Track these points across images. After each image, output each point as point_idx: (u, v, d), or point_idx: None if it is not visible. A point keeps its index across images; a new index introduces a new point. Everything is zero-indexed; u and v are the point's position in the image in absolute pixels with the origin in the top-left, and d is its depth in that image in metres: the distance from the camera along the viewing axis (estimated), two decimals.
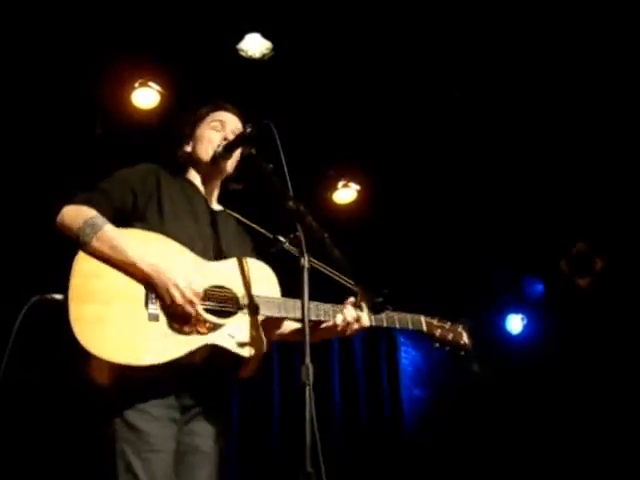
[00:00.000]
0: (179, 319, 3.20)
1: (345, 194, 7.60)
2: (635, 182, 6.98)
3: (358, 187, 7.53)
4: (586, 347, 7.60)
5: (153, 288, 3.22)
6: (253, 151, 3.59)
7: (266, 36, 6.01)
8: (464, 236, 7.74)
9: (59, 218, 3.33)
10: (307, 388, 2.72)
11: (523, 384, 7.85)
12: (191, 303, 3.21)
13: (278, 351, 7.12)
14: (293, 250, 3.60)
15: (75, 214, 3.31)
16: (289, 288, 3.52)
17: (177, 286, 3.19)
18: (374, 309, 3.55)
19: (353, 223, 7.46)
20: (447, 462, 7.60)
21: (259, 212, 4.04)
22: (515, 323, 8.61)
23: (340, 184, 7.51)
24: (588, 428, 7.34)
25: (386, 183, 7.45)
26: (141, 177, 3.60)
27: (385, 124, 6.83)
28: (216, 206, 3.90)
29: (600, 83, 6.28)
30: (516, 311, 8.63)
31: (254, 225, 3.94)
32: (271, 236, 3.83)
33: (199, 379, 3.31)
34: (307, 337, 2.86)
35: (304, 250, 3.05)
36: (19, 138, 6.11)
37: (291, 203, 3.23)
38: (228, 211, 3.94)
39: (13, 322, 3.20)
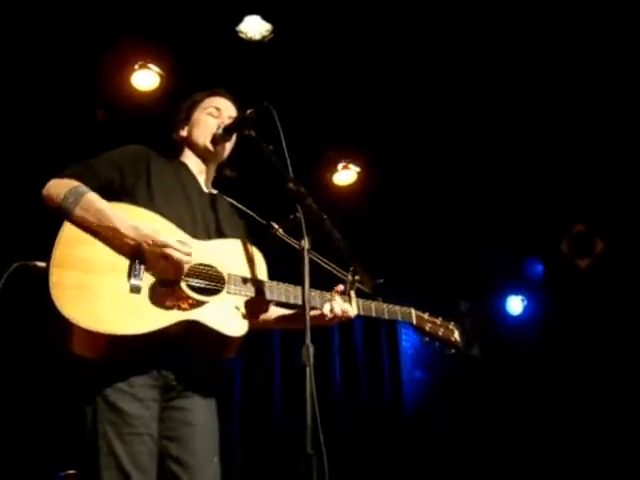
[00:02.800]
0: (161, 293, 3.18)
1: (345, 176, 7.61)
2: (635, 163, 6.98)
3: (358, 169, 7.53)
4: (586, 328, 7.62)
5: (139, 252, 3.20)
6: (253, 133, 3.57)
7: (266, 18, 5.99)
8: (464, 217, 7.75)
9: (44, 191, 3.31)
10: (307, 369, 2.72)
11: (523, 365, 7.87)
12: (187, 254, 3.20)
13: (279, 332, 7.13)
14: (286, 237, 3.61)
15: (59, 185, 3.30)
16: (282, 274, 3.51)
17: (166, 242, 3.18)
18: (373, 290, 3.55)
19: (353, 205, 7.46)
20: (447, 443, 7.63)
21: (254, 197, 4.04)
22: (515, 304, 8.63)
23: (340, 166, 7.51)
24: (587, 408, 7.37)
25: (386, 165, 7.45)
26: (130, 157, 3.58)
27: (385, 106, 6.82)
28: (210, 190, 3.89)
29: (598, 70, 6.28)
30: (516, 292, 8.65)
31: (248, 211, 3.93)
32: (264, 222, 3.82)
33: (182, 356, 3.28)
34: (307, 318, 2.86)
35: (304, 232, 3.04)
36: (19, 122, 6.11)
37: (291, 185, 3.22)
38: (223, 196, 3.93)
39: None
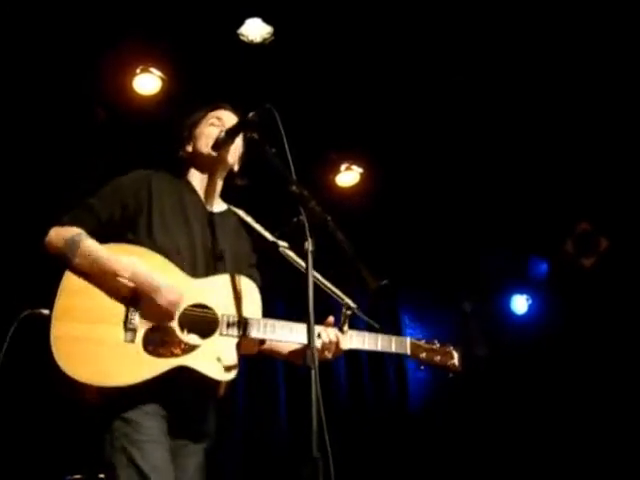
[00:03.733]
0: (155, 340, 3.22)
1: (348, 177, 7.60)
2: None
3: (361, 170, 7.53)
4: (591, 326, 7.61)
5: (136, 296, 3.25)
6: (255, 135, 3.56)
7: (266, 20, 5.99)
8: (467, 217, 7.74)
9: (46, 240, 3.38)
10: (312, 372, 2.72)
11: (528, 364, 7.86)
12: (172, 304, 3.24)
13: None
14: (292, 258, 3.61)
15: (59, 234, 3.36)
16: (287, 292, 3.50)
17: (159, 287, 3.24)
18: (377, 293, 3.54)
19: (356, 206, 7.46)
20: (452, 442, 7.62)
21: (260, 202, 4.04)
22: (520, 303, 8.62)
23: (343, 167, 7.50)
24: (592, 407, 7.36)
25: (389, 166, 7.44)
26: (132, 188, 3.60)
27: (387, 107, 6.82)
28: (217, 207, 3.86)
29: (600, 68, 6.27)
30: (521, 291, 8.64)
31: (256, 225, 3.92)
32: (272, 239, 3.81)
33: (177, 399, 3.31)
34: (312, 320, 2.84)
35: (308, 234, 3.03)
36: (21, 129, 6.11)
37: (294, 187, 3.21)
38: (232, 208, 3.92)
39: (4, 336, 3.27)
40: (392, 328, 8.26)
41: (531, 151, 7.13)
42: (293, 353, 3.71)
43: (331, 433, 2.61)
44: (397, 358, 8.18)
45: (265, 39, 6.05)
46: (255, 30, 6.03)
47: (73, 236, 3.31)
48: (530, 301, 8.59)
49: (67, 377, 3.05)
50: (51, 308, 3.16)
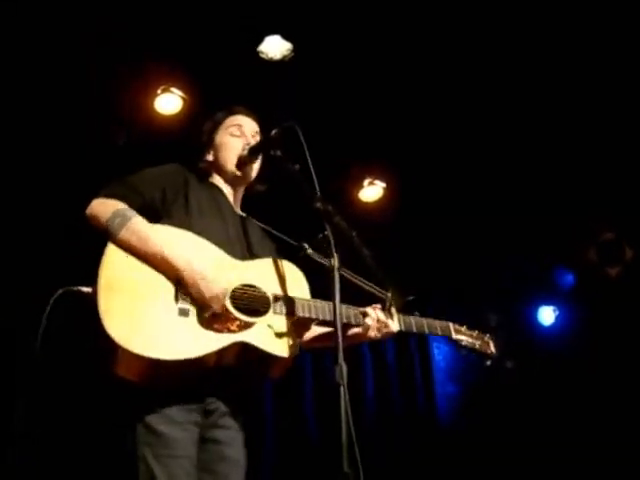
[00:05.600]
0: (209, 315, 3.20)
1: (371, 192, 7.60)
2: None
3: (384, 184, 7.53)
4: (616, 337, 7.55)
5: (181, 281, 3.22)
6: (279, 153, 3.57)
7: (286, 37, 6.01)
8: (492, 229, 7.70)
9: (88, 210, 3.35)
10: (341, 388, 2.70)
11: (557, 376, 7.80)
12: (217, 299, 3.21)
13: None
14: (317, 257, 3.60)
15: (104, 206, 3.33)
16: (314, 295, 3.50)
17: (206, 279, 3.20)
18: (404, 307, 3.54)
19: (380, 221, 7.44)
20: (482, 458, 7.56)
21: (283, 216, 4.04)
22: (547, 315, 8.57)
23: (366, 182, 7.50)
24: (622, 417, 7.30)
25: (411, 179, 7.42)
26: (171, 175, 3.62)
27: (409, 121, 6.81)
28: (240, 212, 3.91)
29: (627, 75, 6.23)
30: (548, 302, 8.59)
31: (278, 233, 3.93)
32: (295, 243, 3.82)
33: (227, 380, 3.29)
34: (339, 337, 2.84)
35: (333, 250, 3.03)
36: (43, 148, 6.15)
37: (319, 203, 3.22)
38: (253, 219, 3.94)
39: (41, 315, 3.21)
40: (419, 342, 8.25)
41: (557, 163, 7.10)
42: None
43: (360, 448, 2.61)
44: (425, 372, 8.17)
45: (285, 56, 6.07)
46: (275, 47, 6.05)
47: (122, 210, 3.29)
48: (557, 312, 8.54)
49: (118, 349, 2.99)
50: (94, 283, 3.10)
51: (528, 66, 6.27)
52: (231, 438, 3.38)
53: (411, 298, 3.47)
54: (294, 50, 6.05)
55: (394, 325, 3.64)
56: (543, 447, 7.54)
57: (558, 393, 7.75)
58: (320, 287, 3.01)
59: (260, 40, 6.02)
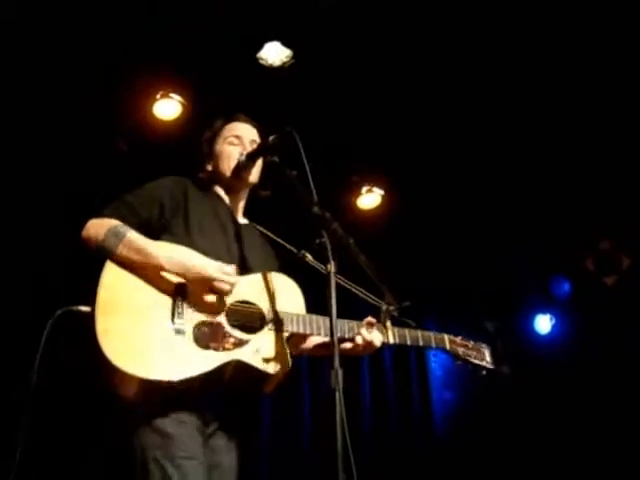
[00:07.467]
0: (205, 334, 3.20)
1: (369, 199, 7.61)
2: None
3: (382, 192, 7.54)
4: (613, 346, 7.55)
5: (182, 287, 3.24)
6: (276, 159, 3.58)
7: (286, 44, 6.02)
8: (488, 237, 7.71)
9: (84, 231, 3.35)
10: (337, 393, 2.71)
11: (553, 385, 7.80)
12: (228, 274, 3.24)
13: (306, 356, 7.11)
14: (317, 265, 3.61)
15: (99, 225, 3.33)
16: (315, 302, 3.51)
17: (211, 263, 3.25)
18: (401, 313, 3.55)
19: (378, 228, 7.45)
20: (478, 466, 7.55)
21: (283, 224, 4.05)
22: (543, 323, 8.57)
23: (364, 189, 7.51)
24: (618, 425, 7.29)
25: (410, 187, 7.43)
26: (169, 189, 3.62)
27: (407, 128, 6.81)
28: (242, 219, 3.92)
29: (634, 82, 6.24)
30: (544, 311, 8.59)
31: (279, 239, 3.94)
32: (296, 250, 3.83)
33: (223, 395, 3.30)
34: (336, 343, 2.85)
35: (330, 256, 3.03)
36: (44, 155, 6.15)
37: (316, 209, 3.22)
38: (253, 224, 3.95)
39: (40, 335, 3.21)
40: (415, 349, 8.24)
41: (553, 172, 7.10)
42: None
43: (356, 455, 2.61)
44: (422, 378, 8.17)
45: (284, 62, 6.07)
46: (274, 53, 6.06)
47: (116, 226, 3.30)
48: (554, 321, 8.54)
49: (115, 370, 2.99)
50: (92, 303, 3.10)
51: (524, 79, 6.28)
52: (225, 445, 3.39)
53: (407, 304, 3.46)
54: (293, 57, 6.06)
55: (378, 341, 3.66)
56: (539, 454, 7.54)
57: (555, 402, 7.75)
58: (323, 296, 3.00)
59: (260, 46, 6.03)
